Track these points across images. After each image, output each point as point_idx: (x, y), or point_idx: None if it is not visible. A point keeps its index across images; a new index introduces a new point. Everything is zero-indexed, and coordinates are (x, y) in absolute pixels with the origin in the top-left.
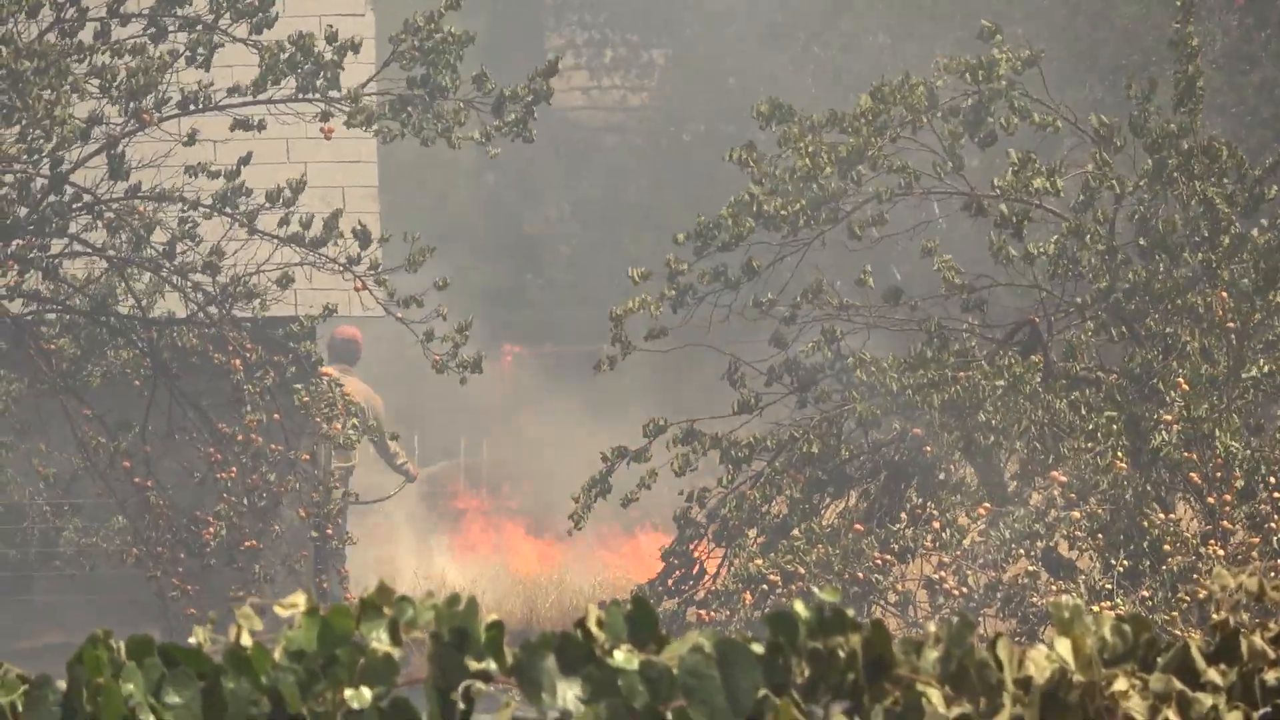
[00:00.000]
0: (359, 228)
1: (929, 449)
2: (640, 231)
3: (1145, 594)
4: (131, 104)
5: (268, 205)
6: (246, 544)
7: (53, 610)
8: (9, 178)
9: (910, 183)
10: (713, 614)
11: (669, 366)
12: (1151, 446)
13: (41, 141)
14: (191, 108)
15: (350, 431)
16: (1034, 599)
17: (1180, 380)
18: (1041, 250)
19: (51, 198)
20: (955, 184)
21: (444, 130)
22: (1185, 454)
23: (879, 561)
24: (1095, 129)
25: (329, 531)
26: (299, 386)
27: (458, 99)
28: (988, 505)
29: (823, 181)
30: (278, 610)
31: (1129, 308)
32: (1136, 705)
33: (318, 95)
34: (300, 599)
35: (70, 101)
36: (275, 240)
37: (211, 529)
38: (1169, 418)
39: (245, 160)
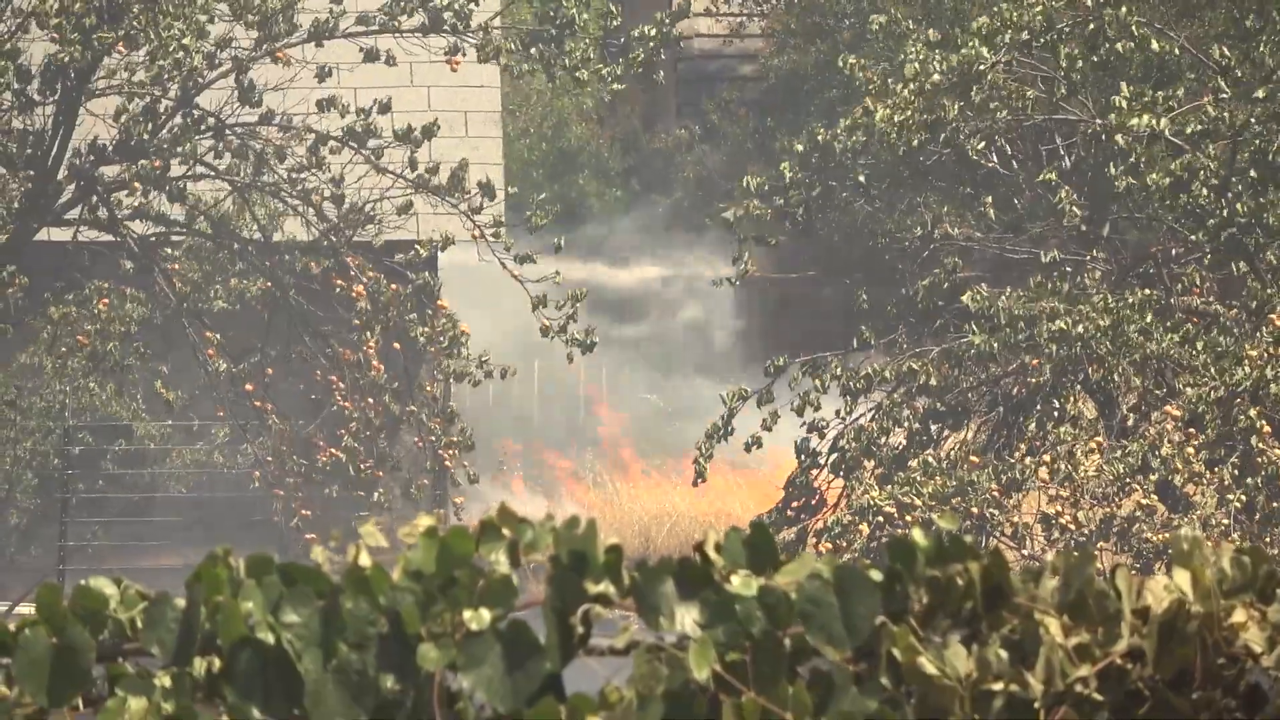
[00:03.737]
0: (485, 180)
1: (1035, 380)
2: (761, 158)
3: (1255, 530)
4: (265, 40)
5: (395, 143)
6: (366, 470)
7: (170, 532)
8: (136, 100)
9: (1028, 109)
10: (828, 546)
11: (783, 315)
12: (1235, 381)
13: (170, 66)
14: (322, 38)
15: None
16: (1148, 534)
17: (1274, 317)
18: (1158, 184)
19: (178, 120)
20: (1074, 112)
21: (572, 67)
22: None
23: (995, 494)
24: (1216, 61)
25: (448, 463)
26: (413, 316)
27: (587, 36)
28: (1100, 439)
29: (934, 102)
30: (400, 535)
31: (1247, 242)
32: (1255, 636)
33: (447, 29)
34: (422, 522)
35: (201, 26)
36: (401, 179)
37: (326, 454)
38: (1253, 353)
39: (385, 107)
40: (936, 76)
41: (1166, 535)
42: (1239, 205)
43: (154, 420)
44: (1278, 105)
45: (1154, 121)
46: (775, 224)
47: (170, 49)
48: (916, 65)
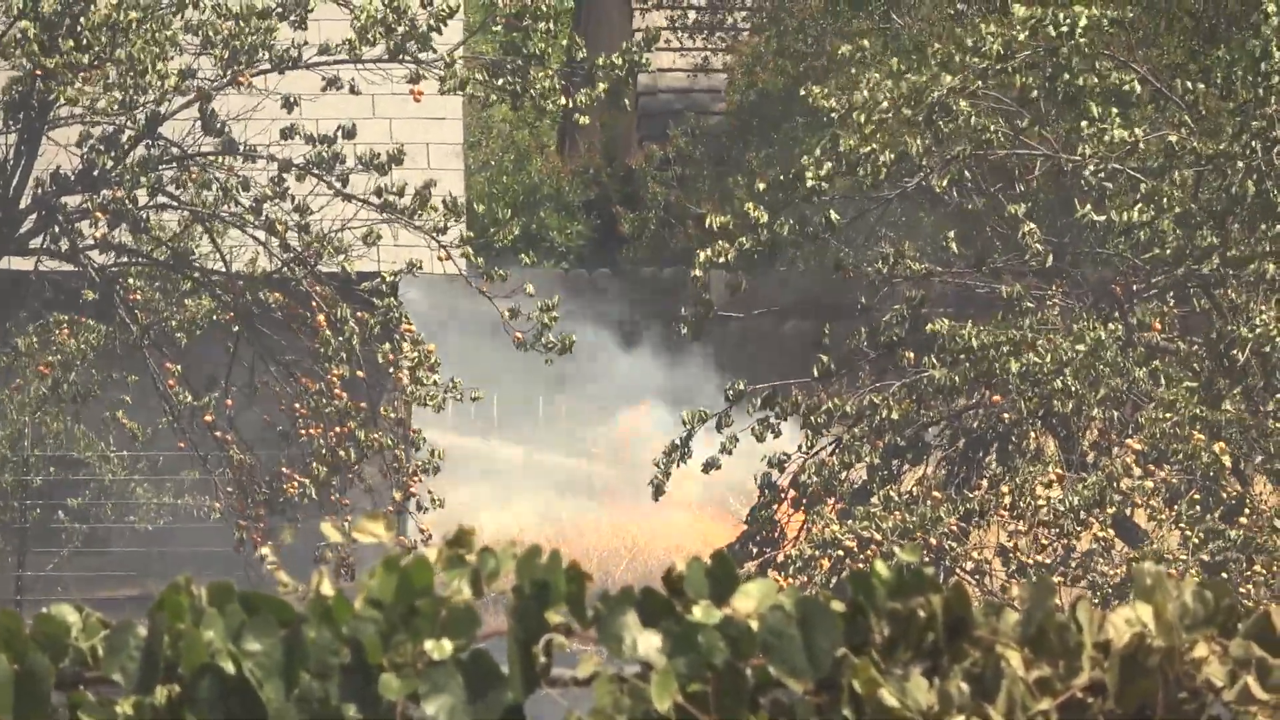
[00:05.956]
0: (449, 198)
1: (1008, 415)
2: (725, 193)
3: (1207, 558)
4: (231, 67)
5: (360, 168)
6: (332, 497)
7: (130, 563)
8: (98, 130)
9: (992, 140)
10: (789, 580)
11: (748, 341)
12: (1223, 411)
13: (133, 94)
14: (285, 67)
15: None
16: (1106, 568)
17: (1234, 352)
18: (1122, 217)
19: (141, 150)
20: (1035, 144)
21: (537, 97)
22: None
23: (954, 528)
24: (1180, 95)
25: (412, 490)
26: (385, 346)
27: (550, 67)
28: (1060, 472)
29: (903, 131)
30: (357, 535)
31: (1209, 275)
32: (1216, 671)
33: (409, 59)
34: (380, 527)
35: (167, 55)
36: (366, 204)
37: (293, 485)
38: (1229, 408)
39: (350, 133)
40: (885, 103)
41: (1121, 570)
42: (1201, 239)
43: (115, 451)
44: (1249, 136)
45: (1125, 134)
46: (744, 264)
47: (140, 71)
48: (866, 93)
